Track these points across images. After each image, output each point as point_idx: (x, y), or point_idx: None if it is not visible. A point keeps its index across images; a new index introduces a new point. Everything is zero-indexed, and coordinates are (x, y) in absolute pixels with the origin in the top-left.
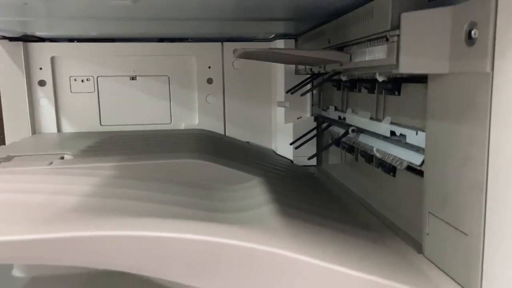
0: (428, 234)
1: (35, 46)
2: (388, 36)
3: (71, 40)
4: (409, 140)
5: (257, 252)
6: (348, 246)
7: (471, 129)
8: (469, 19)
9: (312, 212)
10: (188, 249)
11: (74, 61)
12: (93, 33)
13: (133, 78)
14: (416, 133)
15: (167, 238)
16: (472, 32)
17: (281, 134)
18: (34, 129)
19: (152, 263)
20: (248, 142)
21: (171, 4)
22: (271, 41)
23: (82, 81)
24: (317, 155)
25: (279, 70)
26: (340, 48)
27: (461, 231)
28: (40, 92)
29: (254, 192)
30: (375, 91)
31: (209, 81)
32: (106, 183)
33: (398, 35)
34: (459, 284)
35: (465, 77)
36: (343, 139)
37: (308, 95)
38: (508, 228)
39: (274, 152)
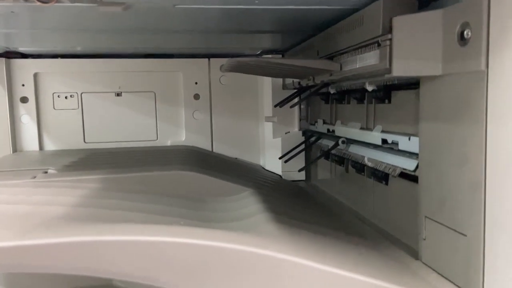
0: (425, 239)
1: (18, 62)
2: (380, 41)
3: (55, 56)
4: (401, 146)
5: (257, 256)
6: (345, 252)
7: (467, 129)
8: (461, 20)
9: (306, 221)
10: (184, 253)
11: (58, 77)
12: (78, 48)
13: (118, 95)
14: (409, 139)
15: (162, 243)
16: (465, 32)
17: (269, 149)
18: (15, 147)
19: (145, 268)
20: (236, 158)
21: (160, 13)
22: (258, 57)
23: (66, 97)
24: (307, 167)
25: (266, 85)
26: (330, 58)
27: (460, 232)
28: (22, 109)
29: (246, 203)
30: (365, 101)
31: (196, 97)
32: (93, 195)
33: (390, 39)
34: (459, 287)
35: (458, 77)
36: (333, 151)
37: (296, 109)
38: (508, 226)
39: (263, 167)
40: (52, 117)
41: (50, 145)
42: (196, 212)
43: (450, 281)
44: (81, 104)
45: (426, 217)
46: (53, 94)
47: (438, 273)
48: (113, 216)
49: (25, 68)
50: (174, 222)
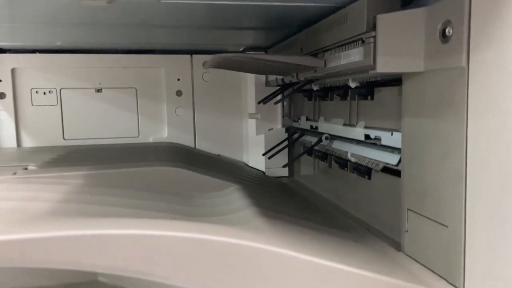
0: (407, 231)
1: None
2: (364, 38)
3: (33, 51)
4: (384, 141)
5: (247, 249)
6: (331, 244)
7: (448, 123)
8: (443, 18)
9: (292, 216)
10: (177, 247)
11: (36, 73)
12: (59, 43)
13: (98, 91)
14: (391, 134)
15: (153, 236)
16: (446, 30)
17: (253, 146)
18: None
19: (138, 262)
20: (219, 155)
21: (144, 7)
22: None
23: (45, 93)
24: (291, 163)
25: (249, 82)
26: (314, 55)
27: (441, 224)
28: None
29: (232, 198)
30: (348, 98)
31: (178, 93)
32: (77, 191)
33: (374, 36)
34: (441, 276)
35: (440, 73)
36: (316, 147)
37: (279, 106)
38: (488, 217)
39: (246, 164)
40: (30, 113)
41: (28, 142)
42: (181, 208)
43: (432, 271)
44: (60, 100)
45: (408, 209)
46: (31, 90)
47: (421, 264)
48: (98, 212)
49: (2, 63)
50: (160, 217)
